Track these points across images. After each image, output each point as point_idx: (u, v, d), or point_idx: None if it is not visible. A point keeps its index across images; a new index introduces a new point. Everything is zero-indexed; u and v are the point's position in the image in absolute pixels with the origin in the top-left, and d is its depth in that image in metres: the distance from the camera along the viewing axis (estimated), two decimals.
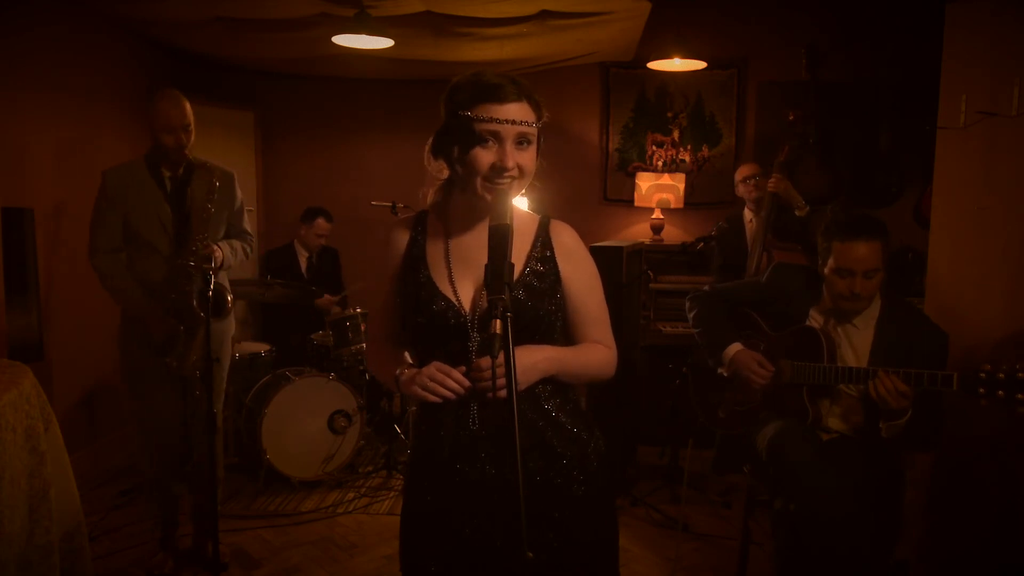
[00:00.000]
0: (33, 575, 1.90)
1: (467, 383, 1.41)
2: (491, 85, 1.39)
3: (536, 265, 1.51)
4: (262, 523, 3.51)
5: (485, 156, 1.39)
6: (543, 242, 1.53)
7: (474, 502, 1.45)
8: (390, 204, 4.00)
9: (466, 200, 1.48)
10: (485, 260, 1.33)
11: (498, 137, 1.39)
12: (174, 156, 2.83)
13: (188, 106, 2.83)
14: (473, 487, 1.45)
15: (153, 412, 2.94)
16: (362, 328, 4.15)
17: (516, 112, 1.39)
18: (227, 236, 3.03)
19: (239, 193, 3.06)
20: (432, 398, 1.41)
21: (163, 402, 2.93)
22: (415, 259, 1.52)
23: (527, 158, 1.42)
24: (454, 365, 1.44)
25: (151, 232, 2.83)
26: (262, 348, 4.38)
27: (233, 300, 3.00)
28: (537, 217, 1.58)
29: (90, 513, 3.09)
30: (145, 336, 2.85)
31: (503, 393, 1.26)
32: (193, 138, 2.86)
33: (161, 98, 2.82)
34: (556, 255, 1.53)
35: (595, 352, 1.56)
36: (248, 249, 3.11)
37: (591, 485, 1.50)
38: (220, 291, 2.67)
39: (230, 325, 3.14)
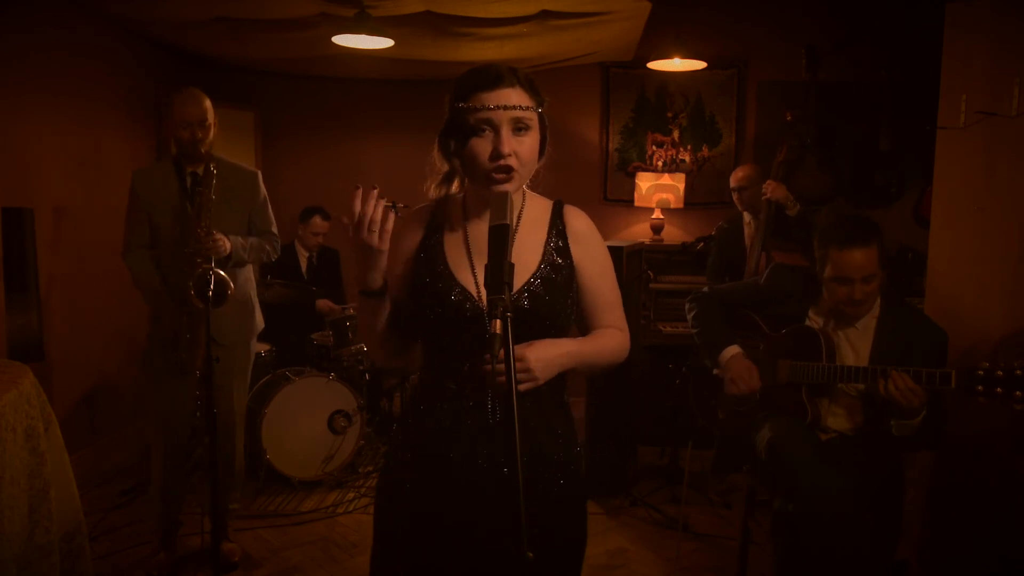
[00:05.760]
0: (33, 575, 1.90)
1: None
2: (482, 72, 1.38)
3: (553, 256, 1.49)
4: (262, 523, 3.51)
5: (482, 146, 1.37)
6: (557, 230, 1.52)
7: (465, 497, 1.45)
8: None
9: (477, 193, 1.48)
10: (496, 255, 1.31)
11: (493, 125, 1.37)
12: (190, 151, 2.88)
13: (207, 103, 2.89)
14: (467, 482, 1.45)
15: (170, 411, 2.98)
16: None
17: (509, 97, 1.36)
18: (250, 234, 3.07)
19: (263, 192, 3.11)
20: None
21: (179, 401, 2.97)
22: (432, 251, 1.51)
23: (525, 145, 1.39)
24: (469, 355, 1.42)
25: (171, 229, 2.87)
26: (262, 348, 4.36)
27: (234, 291, 3.01)
28: (551, 203, 1.56)
29: (90, 513, 3.09)
30: (164, 334, 2.90)
31: (525, 386, 1.23)
32: (212, 134, 2.91)
33: (178, 94, 2.90)
34: (569, 242, 1.51)
35: (610, 339, 1.55)
36: (271, 249, 3.15)
37: (571, 486, 1.50)
38: (220, 280, 2.69)
39: (251, 316, 3.14)
